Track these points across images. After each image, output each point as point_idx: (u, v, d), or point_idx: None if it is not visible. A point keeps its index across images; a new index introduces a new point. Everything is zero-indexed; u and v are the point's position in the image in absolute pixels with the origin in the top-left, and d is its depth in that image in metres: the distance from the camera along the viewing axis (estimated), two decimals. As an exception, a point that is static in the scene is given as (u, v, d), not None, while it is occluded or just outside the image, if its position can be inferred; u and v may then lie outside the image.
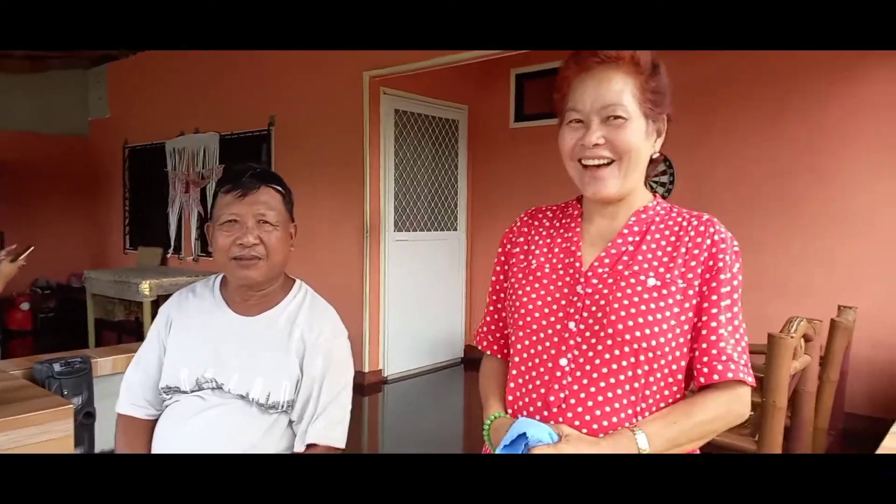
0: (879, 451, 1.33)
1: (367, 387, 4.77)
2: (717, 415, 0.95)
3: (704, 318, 0.96)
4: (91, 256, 7.50)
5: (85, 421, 2.82)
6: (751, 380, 0.95)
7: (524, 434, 0.91)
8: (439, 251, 5.40)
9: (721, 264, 0.97)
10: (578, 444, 0.90)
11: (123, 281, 5.21)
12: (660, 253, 0.99)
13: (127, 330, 6.05)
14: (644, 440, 0.90)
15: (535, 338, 1.02)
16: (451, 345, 5.52)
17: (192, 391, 1.27)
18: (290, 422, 1.30)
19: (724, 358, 0.94)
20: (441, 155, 5.44)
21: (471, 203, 5.69)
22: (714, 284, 0.97)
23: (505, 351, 1.15)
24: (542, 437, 0.90)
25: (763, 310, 3.99)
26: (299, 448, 1.28)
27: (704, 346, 0.95)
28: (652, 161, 1.04)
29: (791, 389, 2.42)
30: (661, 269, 0.98)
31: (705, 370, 0.95)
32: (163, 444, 1.29)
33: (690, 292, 0.96)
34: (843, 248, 3.84)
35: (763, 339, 2.37)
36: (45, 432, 1.89)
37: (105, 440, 2.41)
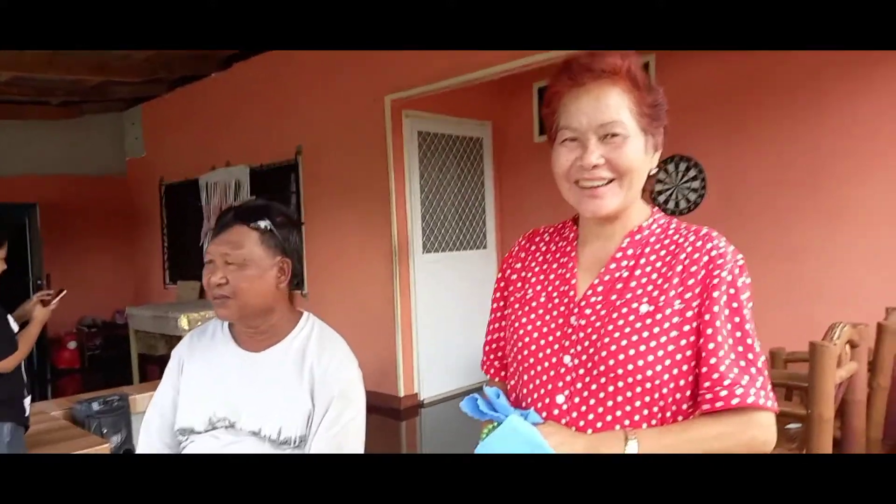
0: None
1: (403, 411, 4.75)
2: (722, 433, 0.87)
3: (702, 341, 0.89)
4: (134, 292, 7.72)
5: (124, 458, 2.89)
6: (770, 404, 0.87)
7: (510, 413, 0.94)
8: (470, 270, 5.37)
9: (717, 280, 0.90)
10: (561, 432, 0.90)
11: (162, 316, 5.33)
12: (654, 275, 0.94)
13: (169, 363, 6.17)
14: (634, 445, 0.85)
15: (532, 372, 0.98)
16: (488, 364, 5.46)
17: (206, 430, 1.27)
18: (304, 457, 1.29)
19: (726, 383, 0.86)
20: (467, 173, 5.43)
21: (499, 220, 5.65)
22: (708, 303, 0.89)
23: (506, 375, 1.11)
24: (532, 419, 0.93)
25: (806, 317, 3.84)
26: None
27: (705, 370, 0.88)
28: (650, 177, 0.98)
29: (839, 399, 2.30)
30: (656, 293, 0.92)
31: (708, 396, 0.87)
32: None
33: (689, 314, 0.90)
34: (889, 248, 3.66)
35: (804, 347, 2.26)
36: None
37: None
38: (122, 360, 6.25)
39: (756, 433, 0.87)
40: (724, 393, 0.86)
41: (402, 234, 4.81)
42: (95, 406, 2.80)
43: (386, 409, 4.75)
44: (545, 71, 4.87)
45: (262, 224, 1.28)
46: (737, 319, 0.89)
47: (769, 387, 0.88)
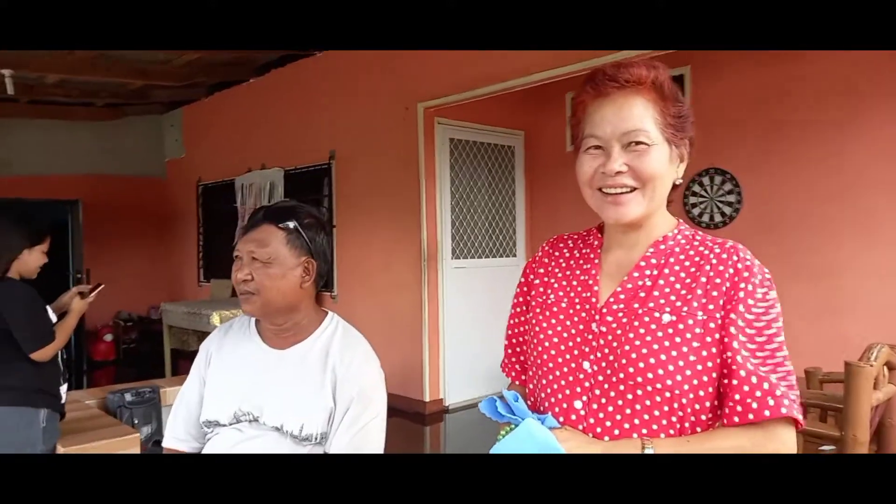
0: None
1: (428, 416, 4.75)
2: (741, 446, 0.85)
3: (728, 354, 0.88)
4: (169, 289, 7.90)
5: (154, 449, 2.95)
6: (798, 416, 0.86)
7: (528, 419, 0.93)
8: (498, 278, 5.36)
9: (742, 294, 0.89)
10: (577, 438, 0.89)
11: (195, 312, 5.45)
12: (678, 286, 0.93)
13: (200, 359, 6.29)
14: (651, 452, 0.86)
15: (551, 376, 0.98)
16: (513, 373, 5.44)
17: (231, 424, 1.30)
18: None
19: (758, 394, 0.85)
20: (498, 181, 5.44)
21: (529, 229, 5.64)
22: (733, 316, 0.88)
23: (525, 378, 1.12)
24: (549, 423, 0.93)
25: (842, 336, 3.73)
26: None
27: (735, 382, 0.87)
28: (675, 187, 0.99)
29: (875, 422, 2.23)
30: (679, 303, 0.91)
31: (738, 408, 0.86)
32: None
33: (712, 325, 0.89)
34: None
35: (841, 367, 2.20)
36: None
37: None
38: (156, 353, 6.40)
39: (773, 445, 0.86)
40: (754, 405, 0.85)
41: (431, 240, 4.84)
42: (128, 397, 2.87)
43: (411, 414, 4.76)
44: (577, 80, 4.85)
45: (290, 224, 1.31)
46: (767, 332, 0.88)
47: (796, 399, 0.87)
